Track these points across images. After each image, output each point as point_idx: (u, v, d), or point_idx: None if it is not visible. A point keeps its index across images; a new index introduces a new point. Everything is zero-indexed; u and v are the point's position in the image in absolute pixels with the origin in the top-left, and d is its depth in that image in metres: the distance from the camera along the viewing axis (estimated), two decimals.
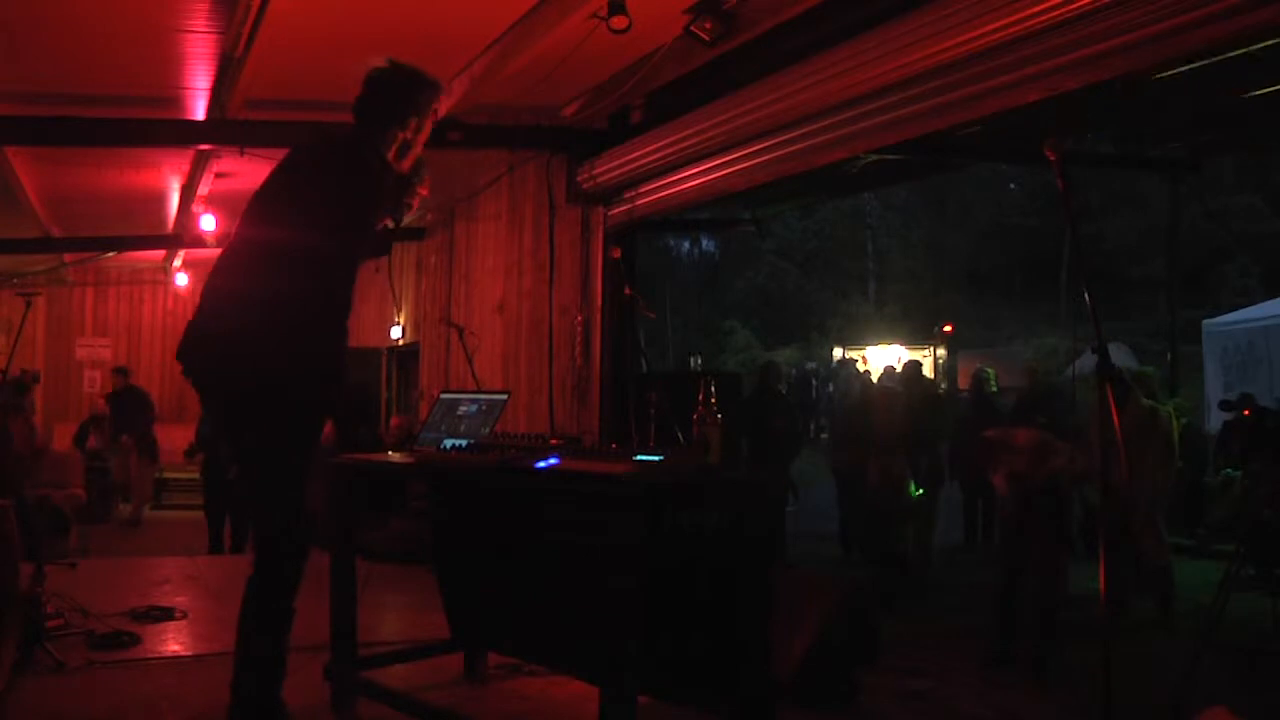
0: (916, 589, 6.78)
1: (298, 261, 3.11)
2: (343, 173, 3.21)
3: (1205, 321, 13.77)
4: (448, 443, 3.69)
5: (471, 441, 3.61)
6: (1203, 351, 13.39)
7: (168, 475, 12.43)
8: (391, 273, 11.28)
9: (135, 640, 4.68)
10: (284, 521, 3.18)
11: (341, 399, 3.31)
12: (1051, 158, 2.89)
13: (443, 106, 6.34)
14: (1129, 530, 6.00)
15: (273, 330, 3.09)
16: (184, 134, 7.03)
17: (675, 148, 5.81)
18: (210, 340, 3.15)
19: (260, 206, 3.27)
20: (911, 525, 7.23)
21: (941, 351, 24.96)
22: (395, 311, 11.81)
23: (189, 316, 3.26)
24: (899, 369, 12.92)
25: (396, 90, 3.28)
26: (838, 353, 26.76)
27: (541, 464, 3.15)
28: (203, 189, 8.73)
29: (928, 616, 5.73)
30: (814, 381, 22.53)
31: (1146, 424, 6.15)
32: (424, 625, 4.89)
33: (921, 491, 7.27)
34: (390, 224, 3.48)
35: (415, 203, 3.44)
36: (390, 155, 3.26)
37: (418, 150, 3.35)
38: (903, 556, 6.98)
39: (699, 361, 26.72)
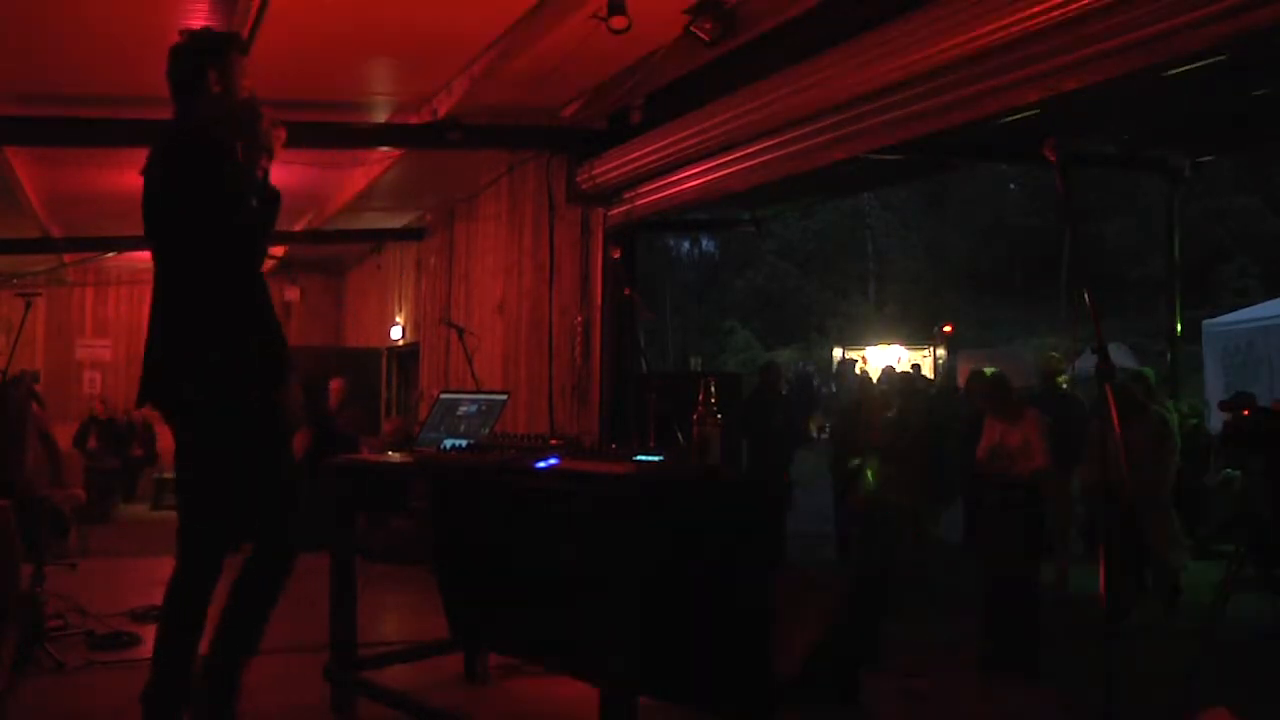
0: (916, 589, 6.77)
1: (186, 268, 3.12)
2: (188, 164, 3.24)
3: (1205, 321, 13.76)
4: (448, 443, 3.70)
5: (471, 442, 3.61)
6: (1203, 351, 13.38)
7: (167, 476, 12.44)
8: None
9: (135, 640, 4.68)
10: (283, 522, 3.16)
11: (291, 397, 3.25)
12: (1051, 159, 2.90)
13: (443, 106, 6.43)
14: (1142, 534, 5.97)
15: (181, 347, 3.09)
16: None
17: (675, 148, 5.81)
18: (152, 370, 3.14)
19: (146, 224, 3.28)
20: (906, 528, 7.21)
21: (941, 351, 24.94)
22: (395, 311, 11.81)
23: None
24: (898, 370, 12.93)
25: (184, 56, 3.46)
26: (838, 353, 26.77)
27: (541, 464, 3.15)
28: None
29: (928, 617, 5.73)
30: (815, 382, 22.50)
31: (1160, 434, 6.15)
32: (424, 625, 4.89)
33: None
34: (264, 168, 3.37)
35: (271, 141, 3.36)
36: (211, 111, 3.35)
37: (236, 94, 3.40)
38: (896, 558, 6.96)
39: (699, 362, 26.75)
